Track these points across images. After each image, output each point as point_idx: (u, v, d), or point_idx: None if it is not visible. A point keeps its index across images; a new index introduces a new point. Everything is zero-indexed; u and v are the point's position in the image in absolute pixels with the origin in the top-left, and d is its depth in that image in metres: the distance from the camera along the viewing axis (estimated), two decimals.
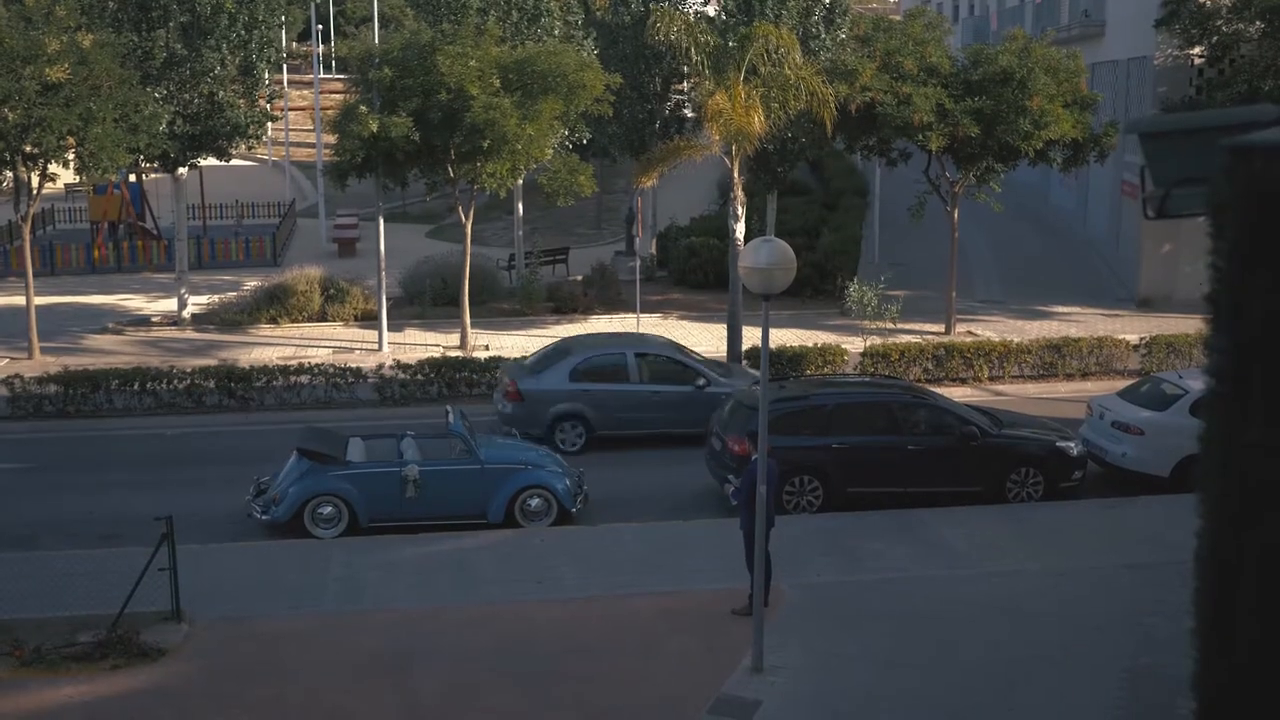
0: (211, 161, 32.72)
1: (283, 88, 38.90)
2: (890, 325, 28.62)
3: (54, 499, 19.08)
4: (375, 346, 29.02)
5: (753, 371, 22.45)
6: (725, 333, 25.94)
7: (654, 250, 38.73)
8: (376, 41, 29.81)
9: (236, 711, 12.15)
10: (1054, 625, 13.94)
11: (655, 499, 18.83)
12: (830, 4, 31.90)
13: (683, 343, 24.78)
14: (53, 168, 27.30)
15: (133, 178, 43.17)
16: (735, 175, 24.70)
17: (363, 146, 26.72)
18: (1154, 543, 16.13)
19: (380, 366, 24.98)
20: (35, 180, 27.36)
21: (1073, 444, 18.81)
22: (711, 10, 32.56)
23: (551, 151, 28.26)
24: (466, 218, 29.41)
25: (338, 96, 40.51)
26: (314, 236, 45.18)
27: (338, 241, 42.69)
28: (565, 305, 32.66)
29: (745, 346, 25.02)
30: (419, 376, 24.19)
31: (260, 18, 29.56)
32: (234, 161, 36.27)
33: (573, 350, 22.34)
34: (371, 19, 34.02)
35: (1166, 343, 25.60)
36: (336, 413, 23.35)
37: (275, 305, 31.83)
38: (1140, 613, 14.06)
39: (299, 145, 64.84)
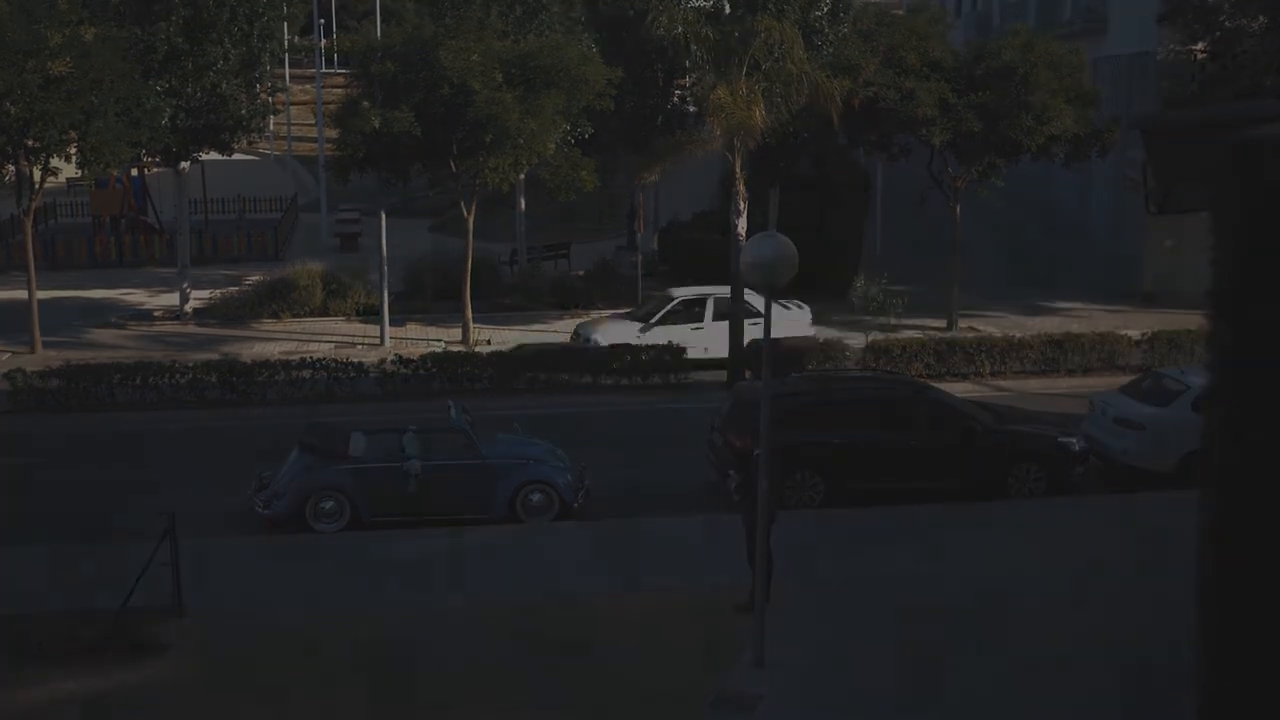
0: (213, 156, 32.67)
1: (285, 82, 38.80)
2: (893, 321, 28.58)
3: (56, 494, 19.07)
4: (377, 341, 28.99)
5: None
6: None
7: (656, 245, 38.69)
8: (379, 35, 29.74)
9: (238, 706, 12.16)
10: (1056, 621, 13.93)
11: (657, 494, 18.82)
12: None
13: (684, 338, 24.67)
14: (54, 162, 27.28)
15: (135, 172, 43.11)
16: (737, 170, 24.64)
17: (364, 141, 26.70)
18: (1156, 539, 16.09)
19: (382, 361, 24.98)
20: (37, 174, 27.34)
21: (1074, 440, 18.78)
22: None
23: (554, 146, 28.22)
24: (468, 212, 29.38)
25: (340, 91, 40.40)
26: (316, 231, 45.11)
27: (339, 236, 42.63)
28: (567, 300, 32.65)
29: (747, 342, 24.98)
30: (421, 371, 24.18)
31: (262, 11, 29.52)
32: (236, 156, 36.21)
33: None
34: (374, 13, 33.92)
35: (1169, 338, 25.57)
36: (338, 407, 23.35)
37: (277, 300, 31.81)
38: (1143, 608, 14.04)
39: (301, 140, 64.75)
